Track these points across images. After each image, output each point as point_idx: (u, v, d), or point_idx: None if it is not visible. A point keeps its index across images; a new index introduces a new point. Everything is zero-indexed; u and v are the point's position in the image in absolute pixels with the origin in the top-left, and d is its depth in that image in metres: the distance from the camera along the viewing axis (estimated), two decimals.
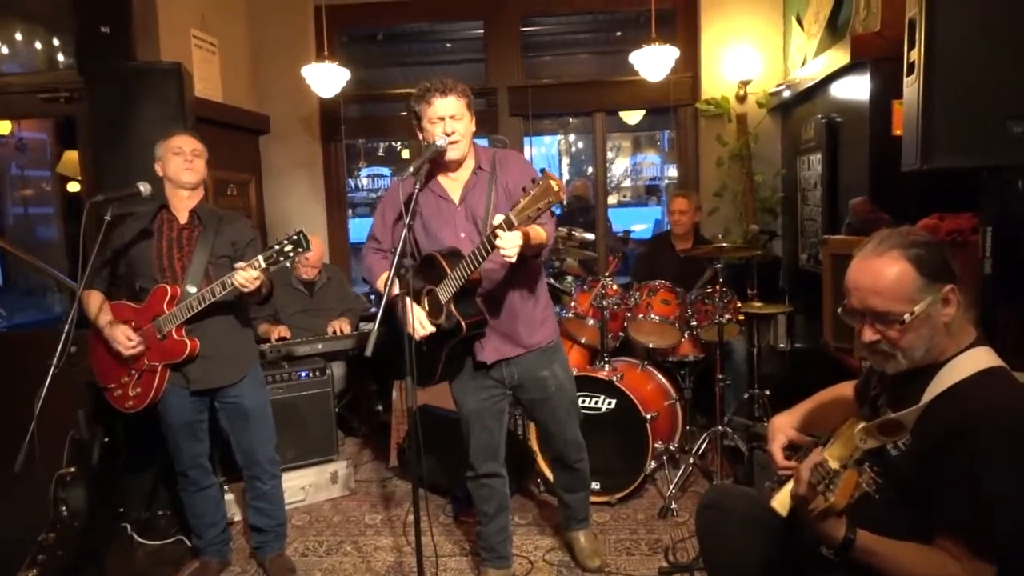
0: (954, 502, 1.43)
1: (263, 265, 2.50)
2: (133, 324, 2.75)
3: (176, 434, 2.85)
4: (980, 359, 1.52)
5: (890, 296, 1.51)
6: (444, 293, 2.43)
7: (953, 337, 1.54)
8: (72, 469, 3.10)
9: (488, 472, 2.76)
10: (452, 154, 2.46)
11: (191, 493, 2.94)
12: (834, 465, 1.53)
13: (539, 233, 2.35)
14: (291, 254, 2.48)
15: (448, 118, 2.42)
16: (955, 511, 1.43)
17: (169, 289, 2.71)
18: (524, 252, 2.24)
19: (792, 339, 4.85)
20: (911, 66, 2.15)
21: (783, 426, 1.90)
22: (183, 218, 2.79)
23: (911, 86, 2.15)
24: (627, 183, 15.74)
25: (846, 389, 1.99)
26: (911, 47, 2.15)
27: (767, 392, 4.03)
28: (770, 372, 4.46)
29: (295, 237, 2.47)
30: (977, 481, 1.40)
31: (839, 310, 1.65)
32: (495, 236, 2.15)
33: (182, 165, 2.74)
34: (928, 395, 1.51)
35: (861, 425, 1.59)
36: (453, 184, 2.58)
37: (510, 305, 2.57)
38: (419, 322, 2.41)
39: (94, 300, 2.79)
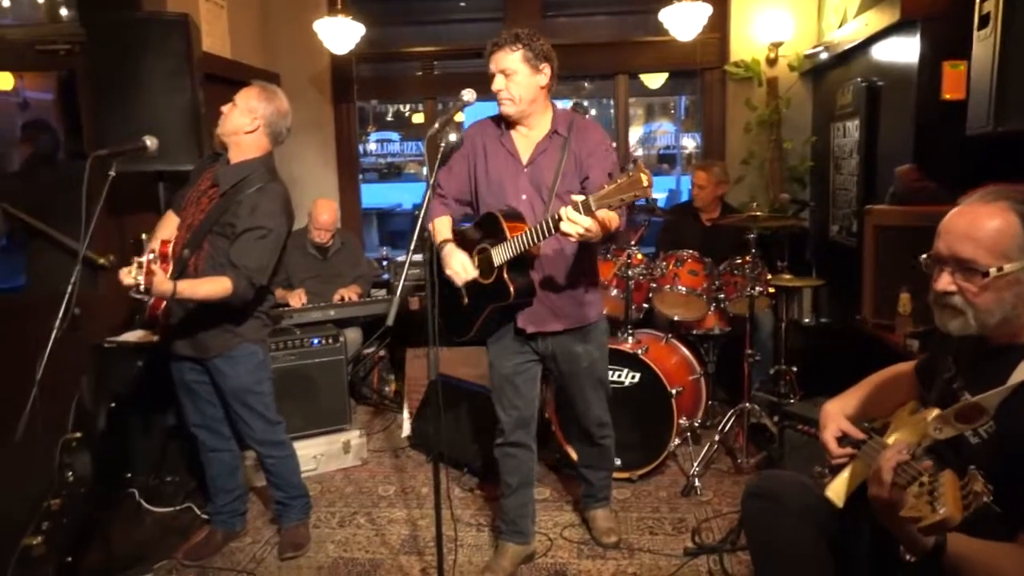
0: None
1: (132, 277, 2.21)
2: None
3: (178, 389, 2.80)
4: None
5: (983, 245, 1.37)
6: (499, 256, 2.38)
7: None
8: (78, 434, 3.02)
9: (517, 441, 2.68)
10: (505, 109, 2.40)
11: (203, 455, 2.87)
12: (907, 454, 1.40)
13: (612, 220, 2.21)
14: (137, 279, 2.20)
15: (498, 72, 2.37)
16: None
17: (172, 244, 2.61)
18: (590, 238, 2.10)
19: (817, 314, 4.71)
20: (984, 18, 1.98)
21: (836, 413, 1.76)
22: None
23: (984, 40, 1.97)
24: (640, 152, 15.51)
25: (903, 371, 1.85)
26: None
27: (794, 368, 3.90)
28: (795, 346, 4.32)
29: (140, 261, 2.21)
30: None
31: (921, 258, 1.49)
32: (559, 219, 2.03)
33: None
34: (1016, 378, 1.37)
35: (936, 412, 1.46)
36: (524, 142, 2.49)
37: (562, 281, 2.50)
38: (462, 266, 2.40)
39: (163, 222, 2.78)
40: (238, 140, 2.61)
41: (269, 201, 2.56)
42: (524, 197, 2.46)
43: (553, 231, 2.15)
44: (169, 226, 2.73)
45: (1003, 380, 1.39)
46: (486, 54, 2.40)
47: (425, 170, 2.20)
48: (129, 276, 2.21)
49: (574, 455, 3.46)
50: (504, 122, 2.50)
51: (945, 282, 1.43)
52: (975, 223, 1.40)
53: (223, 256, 2.53)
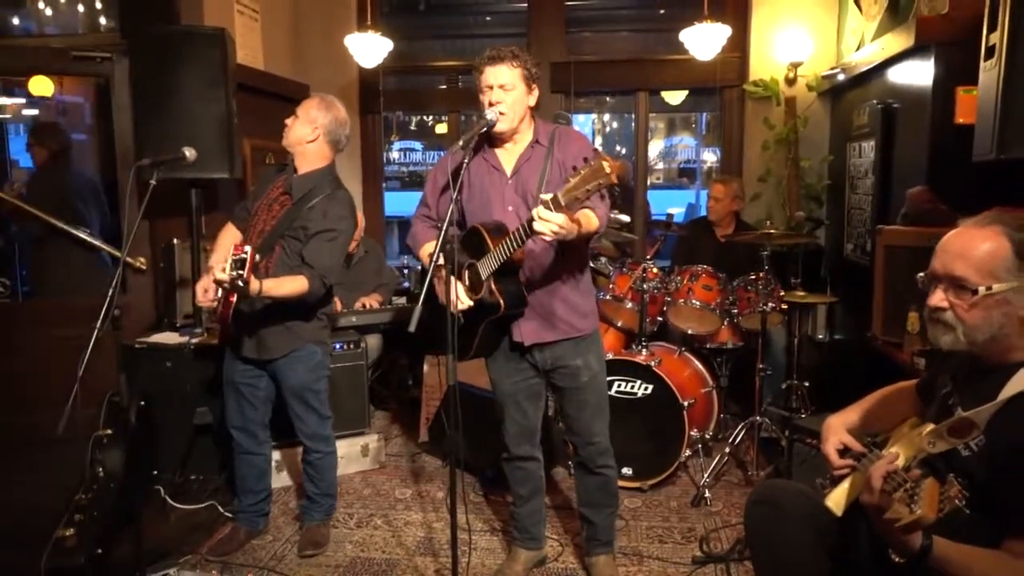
0: None
1: (226, 273, 2.35)
2: None
3: (225, 388, 2.93)
4: None
5: (974, 264, 1.46)
6: (485, 268, 2.37)
7: None
8: (109, 431, 3.14)
9: (523, 455, 2.72)
10: (499, 126, 2.38)
11: (237, 454, 2.99)
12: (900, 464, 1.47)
13: (590, 220, 2.24)
14: (235, 271, 2.34)
15: (497, 87, 2.36)
16: None
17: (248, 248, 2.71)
18: (571, 238, 2.14)
19: (831, 330, 4.75)
20: (991, 50, 2.05)
21: (838, 426, 1.84)
22: (286, 184, 2.81)
23: (989, 71, 2.04)
24: (660, 165, 15.59)
25: (905, 388, 1.92)
26: (992, 29, 2.04)
27: (806, 383, 3.95)
28: (808, 362, 4.37)
29: (238, 257, 2.36)
30: None
31: (919, 275, 1.57)
32: (532, 219, 2.05)
33: None
34: (1005, 394, 1.44)
35: (929, 427, 1.53)
36: (507, 156, 2.50)
37: (553, 289, 2.49)
38: (457, 295, 2.33)
39: (223, 233, 2.92)
40: (303, 150, 2.79)
41: (339, 206, 2.76)
42: (510, 208, 2.45)
43: (530, 232, 2.14)
44: (229, 237, 2.90)
45: (994, 396, 1.46)
46: (481, 65, 2.38)
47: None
48: (223, 272, 2.36)
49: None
50: (488, 139, 2.49)
51: (938, 298, 1.52)
52: (969, 244, 1.48)
53: (295, 258, 2.70)
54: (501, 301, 2.36)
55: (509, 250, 2.27)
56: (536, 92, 2.45)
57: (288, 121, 2.82)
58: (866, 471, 1.61)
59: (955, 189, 3.02)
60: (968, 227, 1.52)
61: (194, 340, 3.51)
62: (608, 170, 1.94)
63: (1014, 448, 1.40)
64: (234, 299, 2.61)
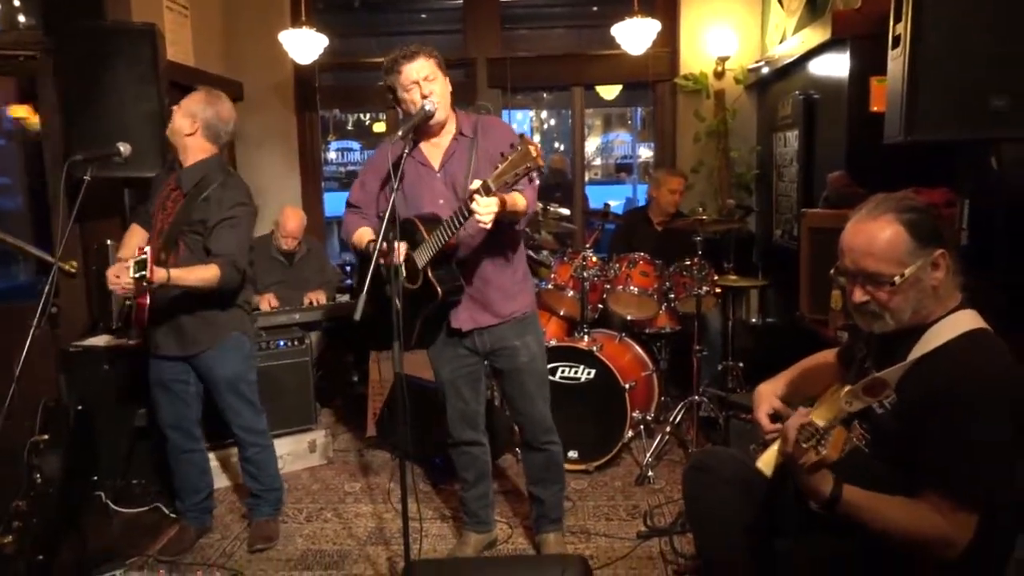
0: (938, 455, 1.49)
1: (132, 275, 2.35)
2: None
3: (153, 389, 2.88)
4: (965, 321, 1.58)
5: (882, 258, 1.56)
6: (421, 258, 2.41)
7: (940, 300, 1.60)
8: (45, 436, 3.06)
9: (467, 440, 2.78)
10: (437, 115, 2.43)
11: (173, 456, 2.94)
12: (821, 424, 1.59)
13: (517, 201, 2.33)
14: (138, 274, 2.34)
15: (422, 80, 2.40)
16: (939, 464, 1.49)
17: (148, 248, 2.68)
18: (502, 219, 2.26)
19: (764, 314, 4.94)
20: (896, 39, 2.19)
21: (768, 393, 1.95)
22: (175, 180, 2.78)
23: (896, 59, 2.19)
24: (598, 161, 15.82)
25: (828, 356, 2.05)
26: (897, 21, 2.19)
27: (740, 364, 4.12)
28: (743, 345, 4.55)
29: (138, 259, 2.36)
30: (961, 435, 1.46)
31: (831, 272, 1.69)
32: (472, 201, 2.14)
33: None
34: (914, 355, 1.57)
35: (846, 388, 1.64)
36: (434, 150, 2.55)
37: (486, 273, 2.56)
38: (397, 251, 2.32)
39: (129, 234, 2.90)
40: (183, 143, 2.75)
41: (233, 192, 2.73)
42: (441, 202, 2.50)
43: (466, 217, 2.21)
44: (135, 238, 2.85)
45: (904, 357, 1.59)
46: (398, 65, 2.39)
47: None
48: (126, 275, 2.34)
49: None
50: (414, 135, 2.50)
51: (859, 295, 1.63)
52: (871, 239, 1.59)
53: (200, 253, 2.66)
54: (438, 289, 2.41)
55: (444, 237, 2.33)
56: (449, 80, 2.49)
57: (174, 109, 2.78)
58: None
59: (871, 173, 3.20)
60: (862, 220, 1.62)
61: (132, 341, 3.44)
62: (534, 154, 2.03)
63: (922, 404, 1.52)
64: (147, 301, 2.56)
